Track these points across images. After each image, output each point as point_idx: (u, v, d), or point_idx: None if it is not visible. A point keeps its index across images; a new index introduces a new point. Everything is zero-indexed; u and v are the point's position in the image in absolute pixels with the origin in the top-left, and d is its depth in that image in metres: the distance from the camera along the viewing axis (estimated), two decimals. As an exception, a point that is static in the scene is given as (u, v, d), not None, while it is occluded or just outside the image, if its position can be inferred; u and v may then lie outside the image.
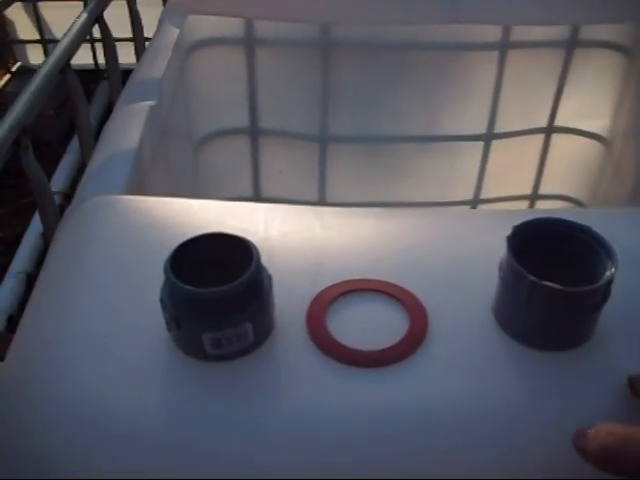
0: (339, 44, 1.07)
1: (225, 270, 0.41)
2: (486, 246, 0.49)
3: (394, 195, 1.23)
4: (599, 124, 1.15)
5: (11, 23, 2.03)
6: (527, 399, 0.42)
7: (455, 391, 0.42)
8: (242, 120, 1.14)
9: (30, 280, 1.43)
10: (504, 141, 1.17)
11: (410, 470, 0.41)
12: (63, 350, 0.45)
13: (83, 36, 0.88)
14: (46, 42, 1.98)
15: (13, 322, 1.34)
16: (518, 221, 0.45)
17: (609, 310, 0.43)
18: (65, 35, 0.85)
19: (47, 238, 0.76)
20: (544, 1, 0.98)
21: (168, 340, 0.44)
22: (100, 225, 0.55)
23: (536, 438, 0.41)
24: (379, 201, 1.23)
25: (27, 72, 1.99)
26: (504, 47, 1.07)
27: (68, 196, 1.60)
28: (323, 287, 0.48)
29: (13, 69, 2.07)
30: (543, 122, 1.17)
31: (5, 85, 1.99)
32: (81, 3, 1.70)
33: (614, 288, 0.42)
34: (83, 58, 1.66)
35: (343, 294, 0.48)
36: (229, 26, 1.03)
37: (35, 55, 2.06)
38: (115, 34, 1.05)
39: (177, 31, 0.94)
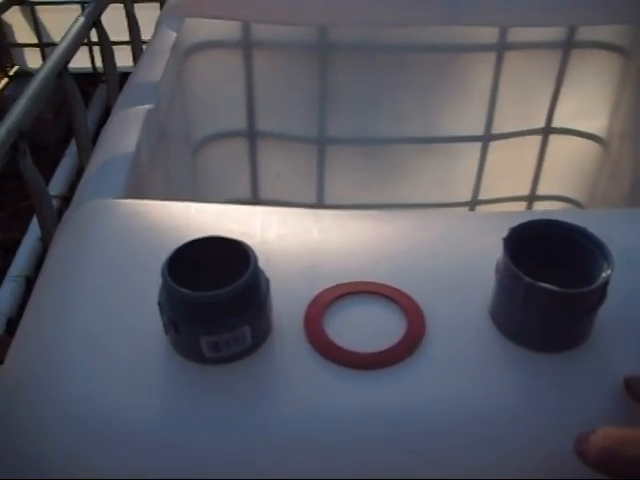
0: (337, 46, 1.07)
1: (223, 273, 0.41)
2: (483, 248, 0.49)
3: (392, 197, 1.23)
4: (596, 125, 1.15)
5: (9, 26, 2.03)
6: (524, 400, 0.43)
7: (452, 393, 0.42)
8: (240, 123, 1.14)
9: (29, 283, 1.43)
10: (502, 142, 1.18)
11: (408, 472, 0.41)
12: (62, 352, 0.45)
13: (80, 40, 0.88)
14: (44, 46, 1.98)
15: (12, 325, 1.34)
16: (515, 223, 0.45)
17: (605, 311, 0.43)
18: (62, 39, 0.85)
19: (45, 242, 0.76)
20: (541, 3, 0.98)
21: (166, 343, 0.44)
22: (98, 228, 0.55)
23: (534, 439, 0.42)
24: (377, 203, 1.23)
25: (25, 76, 1.99)
26: (501, 48, 1.07)
27: (66, 199, 1.60)
28: (321, 290, 0.48)
29: (11, 73, 2.07)
30: (541, 123, 1.17)
31: (3, 89, 1.99)
32: (79, 6, 1.70)
33: (610, 289, 0.42)
34: (81, 61, 1.66)
35: (341, 297, 0.48)
36: (226, 29, 1.03)
37: (33, 59, 2.06)
38: (112, 37, 1.05)
39: (174, 34, 0.94)
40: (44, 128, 1.83)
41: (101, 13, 0.99)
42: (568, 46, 1.08)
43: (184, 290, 0.40)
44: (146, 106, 0.76)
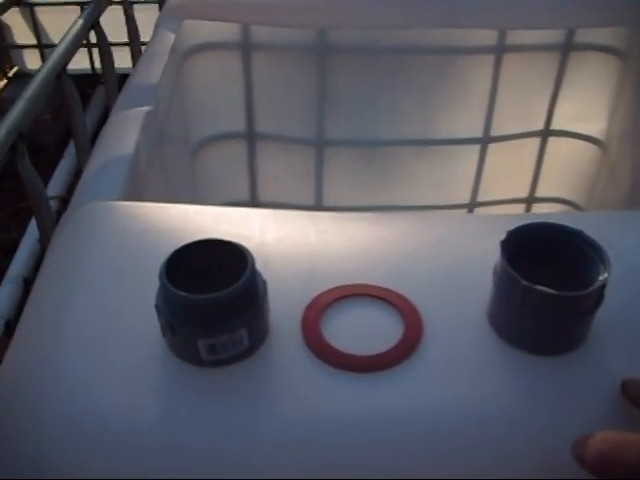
0: (335, 48, 1.07)
1: (220, 276, 0.41)
2: (481, 250, 0.49)
3: (391, 199, 1.23)
4: (595, 127, 1.15)
5: (8, 28, 2.03)
6: (522, 403, 0.43)
7: (449, 396, 0.42)
8: (239, 124, 1.14)
9: (27, 285, 1.43)
10: (500, 144, 1.18)
11: (406, 474, 0.41)
12: (60, 354, 0.45)
13: (79, 42, 0.88)
14: (43, 47, 1.98)
15: (11, 327, 1.34)
16: (513, 225, 0.45)
17: (603, 314, 0.43)
18: (61, 41, 0.85)
19: (43, 243, 0.76)
20: (540, 5, 0.98)
21: (164, 345, 0.44)
22: (96, 231, 0.55)
23: (531, 442, 0.42)
24: (376, 205, 1.23)
25: (24, 77, 1.99)
26: (500, 51, 1.07)
27: (65, 201, 1.60)
28: (318, 292, 0.48)
29: (10, 74, 2.07)
30: (539, 125, 1.17)
31: (2, 90, 1.99)
32: (78, 7, 1.70)
33: (608, 292, 0.42)
34: (80, 63, 1.66)
35: (338, 299, 0.48)
36: (225, 31, 1.03)
37: (32, 60, 2.06)
38: (111, 39, 1.05)
39: (173, 36, 0.94)
40: (43, 129, 1.83)
41: (100, 14, 0.99)
42: (567, 48, 1.08)
43: (181, 293, 0.40)
44: (145, 108, 0.76)
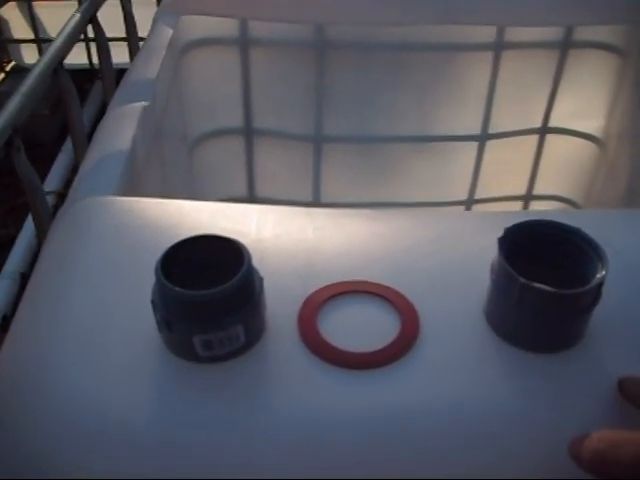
0: (334, 44, 1.07)
1: (217, 272, 0.41)
2: (478, 248, 0.49)
3: (388, 195, 1.23)
4: (593, 125, 1.15)
5: (5, 22, 2.02)
6: (518, 400, 0.42)
7: (446, 393, 0.42)
8: (236, 120, 1.13)
9: (24, 280, 1.43)
10: (498, 141, 1.17)
11: (402, 472, 0.41)
12: (56, 351, 0.45)
13: (76, 37, 0.88)
14: (41, 41, 1.98)
15: (7, 321, 1.34)
16: (510, 223, 0.45)
17: (600, 312, 0.43)
18: (58, 36, 0.85)
19: (40, 239, 0.76)
20: (539, 2, 0.98)
21: (159, 341, 0.44)
22: (93, 226, 0.55)
23: (528, 439, 0.42)
24: (374, 201, 1.23)
25: (22, 72, 1.98)
26: (498, 48, 1.07)
27: (62, 196, 1.60)
28: (315, 289, 0.48)
29: (7, 69, 2.06)
30: (537, 123, 1.17)
31: (-1, 85, 1.98)
32: (76, 2, 1.69)
33: (605, 290, 0.42)
34: (78, 57, 1.66)
35: (335, 296, 0.48)
36: (223, 26, 1.03)
37: (30, 54, 2.06)
38: (109, 33, 1.05)
39: (171, 31, 0.93)
40: (41, 124, 1.83)
41: (97, 9, 0.99)
42: (565, 46, 1.07)
43: (177, 288, 0.40)
44: (142, 103, 0.76)
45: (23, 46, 2.07)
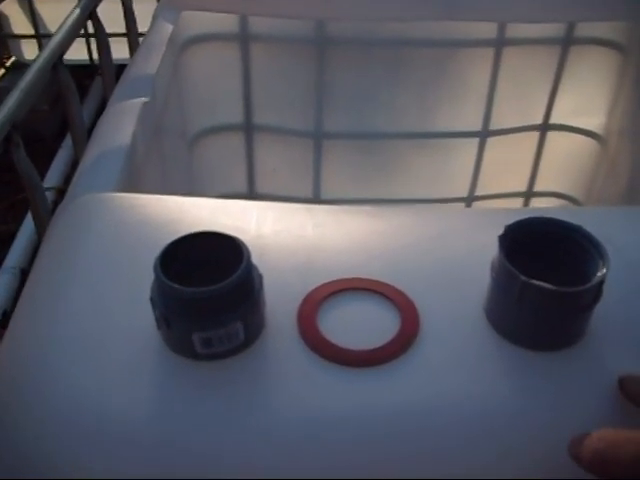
0: (334, 40, 1.07)
1: (216, 269, 0.41)
2: (478, 245, 0.49)
3: (389, 192, 1.23)
4: (594, 122, 1.15)
5: (5, 18, 2.02)
6: (519, 399, 0.42)
7: (446, 391, 0.42)
8: (236, 116, 1.13)
9: (24, 276, 1.42)
10: (499, 138, 1.17)
11: (400, 470, 0.41)
12: (55, 349, 0.45)
13: (76, 32, 0.87)
14: (41, 37, 1.97)
15: (7, 317, 1.34)
16: (511, 220, 0.45)
17: (601, 310, 0.43)
18: (57, 31, 0.84)
19: (39, 235, 0.75)
20: (540, -1, 0.98)
21: (159, 338, 0.44)
22: (92, 223, 0.55)
23: (528, 438, 0.41)
24: (374, 198, 1.23)
25: (22, 67, 1.98)
26: (499, 44, 1.07)
27: (62, 192, 1.59)
28: (314, 286, 0.48)
29: (7, 64, 2.06)
30: (538, 119, 1.17)
31: (-1, 80, 1.98)
32: (76, -2, 1.69)
33: (606, 288, 0.42)
34: (78, 53, 1.65)
35: (334, 293, 0.48)
36: (223, 22, 1.03)
37: (30, 50, 2.05)
38: (109, 29, 1.04)
39: (171, 27, 0.93)
40: (40, 120, 1.82)
41: (97, 4, 0.99)
42: (567, 42, 1.07)
43: (176, 286, 0.40)
44: (142, 99, 0.76)
45: (23, 42, 2.07)
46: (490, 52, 1.08)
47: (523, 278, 0.41)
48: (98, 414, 0.41)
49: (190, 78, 1.03)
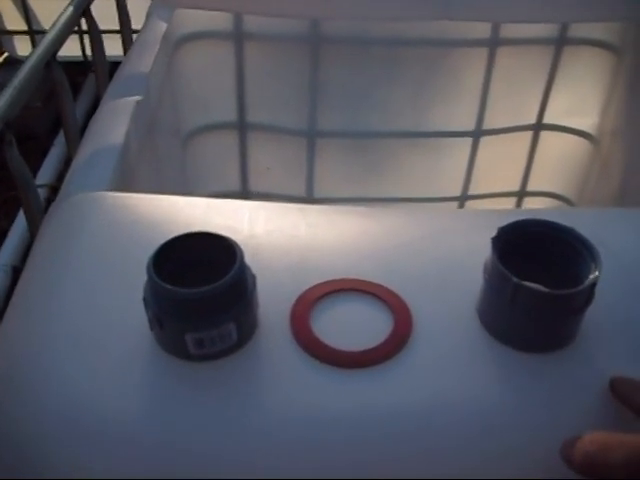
0: (328, 39, 1.06)
1: (209, 269, 0.41)
2: (471, 246, 0.49)
3: (382, 191, 1.23)
4: (587, 122, 1.15)
5: (-2, 13, 2.01)
6: (511, 400, 0.43)
7: (439, 392, 0.42)
8: (230, 115, 1.13)
9: (16, 274, 1.42)
10: (493, 138, 1.17)
11: (392, 471, 0.41)
12: (49, 348, 0.45)
13: (69, 30, 0.87)
14: (34, 33, 1.96)
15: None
16: (504, 221, 0.45)
17: (592, 312, 0.43)
18: (51, 28, 0.84)
19: (32, 233, 0.75)
20: (534, -1, 0.98)
21: (151, 339, 0.44)
22: (85, 222, 0.55)
23: (520, 439, 0.42)
24: (367, 196, 1.23)
25: (14, 63, 1.97)
26: (494, 44, 1.07)
27: (55, 189, 1.59)
28: (308, 286, 0.48)
29: (0, 60, 2.05)
30: (532, 119, 1.17)
31: (-8, 76, 1.97)
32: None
33: (598, 290, 0.42)
34: (71, 49, 1.65)
35: (328, 294, 0.48)
36: (218, 20, 1.03)
37: (22, 46, 2.04)
38: (102, 26, 1.04)
39: (165, 25, 0.93)
40: (33, 117, 1.82)
41: (91, 2, 0.98)
42: (560, 43, 1.07)
43: (169, 286, 0.40)
44: (135, 97, 0.76)
45: (16, 37, 2.06)
46: (484, 52, 1.08)
47: (515, 280, 0.41)
48: (91, 413, 0.41)
49: (184, 76, 1.03)
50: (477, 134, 1.17)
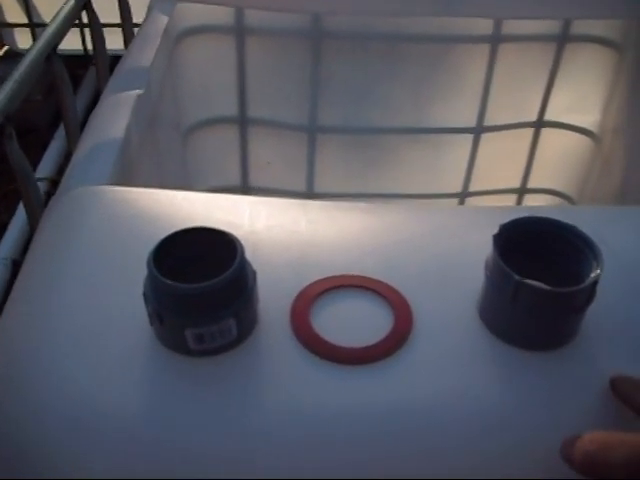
0: (330, 34, 1.06)
1: (209, 264, 0.41)
2: (473, 243, 0.49)
3: (383, 186, 1.23)
4: (589, 119, 1.15)
5: (-1, 6, 2.01)
6: (511, 398, 0.42)
7: (438, 390, 0.42)
8: (231, 109, 1.13)
9: (16, 267, 1.42)
10: (494, 134, 1.17)
11: (392, 469, 0.40)
12: (48, 342, 0.44)
13: (70, 23, 0.87)
14: (34, 26, 1.96)
15: (-1, 308, 1.33)
16: (506, 219, 0.45)
17: (593, 310, 0.43)
18: (51, 22, 0.84)
19: (32, 227, 0.75)
20: (536, -5, 0.98)
21: (151, 334, 0.44)
22: (85, 216, 0.55)
23: (521, 437, 0.42)
24: (367, 192, 1.23)
25: (15, 56, 1.97)
26: (495, 40, 1.07)
27: (55, 182, 1.58)
28: (308, 282, 0.48)
29: (1, 53, 2.05)
30: (533, 116, 1.17)
31: (-7, 69, 1.97)
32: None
33: (599, 288, 0.42)
34: (72, 43, 1.64)
35: (328, 290, 0.47)
36: (219, 14, 1.02)
37: (23, 39, 2.04)
38: (103, 19, 1.04)
39: (166, 18, 0.93)
40: (33, 110, 1.81)
41: (92, -5, 0.98)
42: (562, 39, 1.07)
43: (169, 282, 0.40)
44: (136, 91, 0.75)
45: (17, 30, 2.05)
46: (486, 48, 1.08)
47: (517, 278, 0.41)
48: (90, 409, 0.41)
49: (185, 70, 1.03)
50: (478, 131, 1.16)
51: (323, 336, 0.44)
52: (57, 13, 0.87)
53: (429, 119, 1.16)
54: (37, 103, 1.84)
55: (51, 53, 0.80)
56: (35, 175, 0.79)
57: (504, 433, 0.41)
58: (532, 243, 0.45)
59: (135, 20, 1.15)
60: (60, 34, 0.83)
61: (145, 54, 0.84)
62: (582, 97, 1.14)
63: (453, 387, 0.42)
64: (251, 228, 0.52)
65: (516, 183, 1.25)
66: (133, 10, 1.18)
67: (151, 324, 0.43)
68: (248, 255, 0.43)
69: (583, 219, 0.45)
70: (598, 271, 0.41)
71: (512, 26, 1.05)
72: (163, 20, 0.92)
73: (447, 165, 1.22)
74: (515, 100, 1.15)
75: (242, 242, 0.42)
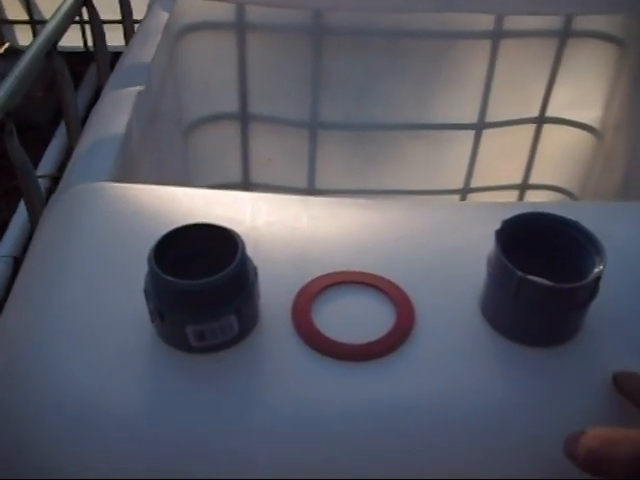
0: (331, 30, 1.06)
1: (210, 260, 0.41)
2: (474, 239, 0.48)
3: (384, 183, 1.23)
4: (591, 115, 1.15)
5: (-1, 3, 2.00)
6: (513, 394, 0.42)
7: (440, 387, 0.42)
8: (232, 105, 1.13)
9: (17, 264, 1.42)
10: (495, 130, 1.17)
11: (395, 466, 0.40)
12: (49, 339, 0.44)
13: (70, 19, 0.87)
14: (35, 23, 1.96)
15: (0, 306, 1.33)
16: (507, 215, 0.45)
17: (596, 306, 0.43)
18: (52, 18, 0.84)
19: (33, 224, 0.75)
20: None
21: (152, 331, 0.44)
22: (86, 212, 0.55)
23: (523, 433, 0.41)
24: (369, 188, 1.23)
25: (16, 53, 1.96)
26: (497, 36, 1.07)
27: (56, 179, 1.58)
28: (309, 278, 0.48)
29: (1, 50, 2.04)
30: (535, 112, 1.16)
31: (-7, 66, 1.96)
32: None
33: (602, 284, 0.42)
34: (73, 39, 1.64)
35: (330, 286, 0.47)
36: (220, 10, 1.02)
37: (23, 36, 2.04)
38: (104, 16, 1.03)
39: (167, 15, 0.92)
40: (34, 106, 1.81)
41: (92, -9, 0.98)
42: (564, 35, 1.07)
43: (170, 278, 0.39)
44: (137, 87, 0.75)
45: (17, 27, 2.05)
46: (487, 44, 1.07)
47: (519, 274, 0.40)
48: (91, 406, 0.41)
49: (186, 67, 1.02)
50: (480, 127, 1.16)
51: (325, 332, 0.44)
52: (57, 9, 0.87)
53: (430, 115, 1.16)
54: (38, 100, 1.84)
55: (51, 50, 0.80)
56: (36, 172, 0.78)
57: (507, 429, 0.41)
58: (534, 239, 0.45)
59: (136, 16, 1.14)
60: (60, 30, 0.83)
61: (146, 50, 0.84)
62: (584, 93, 1.13)
63: (455, 384, 0.42)
64: (252, 224, 0.52)
65: (518, 179, 1.25)
66: (134, 6, 1.18)
67: (152, 321, 0.43)
68: (249, 251, 0.43)
69: (585, 215, 0.45)
70: (601, 267, 0.41)
71: (514, 22, 1.05)
72: (164, 16, 0.92)
73: (449, 161, 1.22)
74: (517, 96, 1.14)
75: (243, 238, 0.42)
